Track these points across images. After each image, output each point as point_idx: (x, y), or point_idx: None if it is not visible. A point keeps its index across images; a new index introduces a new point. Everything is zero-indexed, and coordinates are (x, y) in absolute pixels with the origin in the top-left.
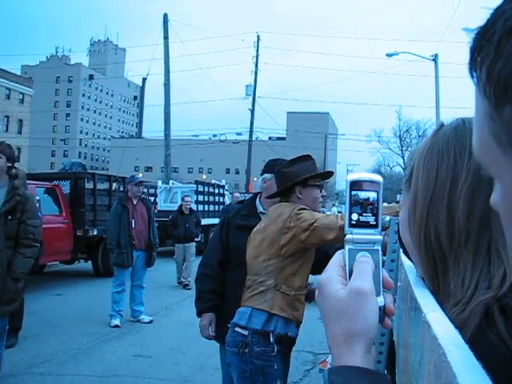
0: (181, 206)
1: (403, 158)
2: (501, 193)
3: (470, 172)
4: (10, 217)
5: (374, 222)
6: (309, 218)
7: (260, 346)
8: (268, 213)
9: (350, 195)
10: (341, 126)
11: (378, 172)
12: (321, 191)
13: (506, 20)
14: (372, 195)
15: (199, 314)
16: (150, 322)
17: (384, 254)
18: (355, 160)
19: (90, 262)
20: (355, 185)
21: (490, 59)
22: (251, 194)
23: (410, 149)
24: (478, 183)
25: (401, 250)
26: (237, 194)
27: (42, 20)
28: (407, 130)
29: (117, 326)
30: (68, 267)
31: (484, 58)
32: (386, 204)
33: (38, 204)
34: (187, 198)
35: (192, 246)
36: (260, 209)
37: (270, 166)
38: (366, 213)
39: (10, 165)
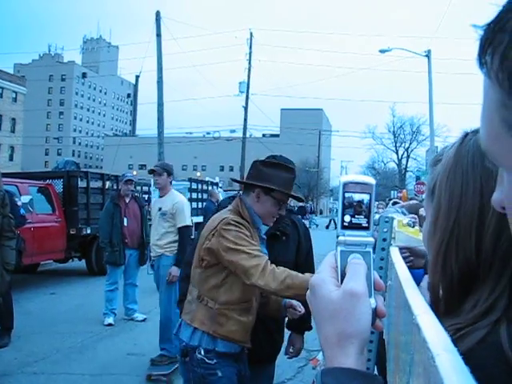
0: None
1: (397, 153)
2: (509, 184)
3: None
4: None
5: (366, 224)
6: (231, 240)
7: (200, 353)
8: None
9: (343, 197)
10: (335, 123)
11: (372, 168)
12: (280, 209)
13: None
14: (365, 197)
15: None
16: (144, 320)
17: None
18: (349, 156)
19: (83, 260)
20: (348, 186)
21: (503, 46)
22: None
23: (403, 145)
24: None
25: (390, 248)
26: (215, 191)
27: (33, 18)
28: (401, 126)
29: (110, 325)
30: (62, 266)
31: (497, 46)
32: (405, 203)
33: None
34: None
35: None
36: None
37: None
38: (358, 215)
39: None
